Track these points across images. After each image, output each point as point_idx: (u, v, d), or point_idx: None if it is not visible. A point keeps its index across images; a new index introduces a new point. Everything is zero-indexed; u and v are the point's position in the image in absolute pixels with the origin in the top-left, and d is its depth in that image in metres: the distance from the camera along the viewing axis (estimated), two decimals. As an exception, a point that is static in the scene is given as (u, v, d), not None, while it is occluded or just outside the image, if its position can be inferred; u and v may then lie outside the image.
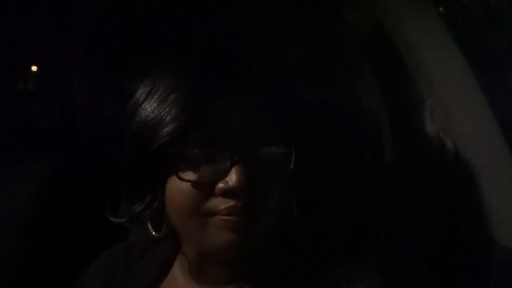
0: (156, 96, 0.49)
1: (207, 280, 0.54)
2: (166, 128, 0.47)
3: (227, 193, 0.46)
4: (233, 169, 0.45)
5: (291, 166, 0.49)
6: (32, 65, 1.28)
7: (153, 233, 0.53)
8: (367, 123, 0.82)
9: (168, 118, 0.47)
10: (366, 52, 0.83)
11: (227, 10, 0.90)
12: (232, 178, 0.45)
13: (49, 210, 1.00)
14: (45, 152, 1.12)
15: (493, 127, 0.66)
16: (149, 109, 0.49)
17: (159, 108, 0.48)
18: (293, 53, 0.86)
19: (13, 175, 0.99)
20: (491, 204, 0.66)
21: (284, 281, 0.52)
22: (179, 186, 0.47)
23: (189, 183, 0.47)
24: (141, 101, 0.50)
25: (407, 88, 0.75)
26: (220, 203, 0.46)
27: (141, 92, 0.51)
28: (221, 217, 0.46)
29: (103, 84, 1.26)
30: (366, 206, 0.75)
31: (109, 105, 1.24)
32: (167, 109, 0.47)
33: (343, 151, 0.78)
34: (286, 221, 0.52)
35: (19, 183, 0.99)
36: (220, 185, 0.46)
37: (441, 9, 0.69)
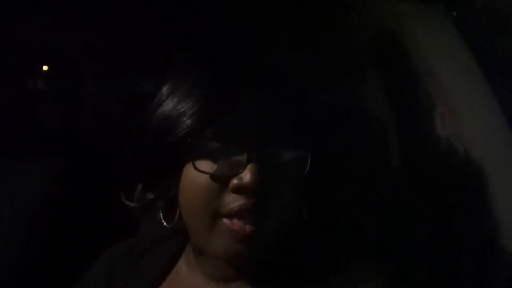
0: (180, 91, 0.50)
1: (212, 276, 0.55)
2: (187, 121, 0.48)
3: (240, 190, 0.46)
4: (248, 166, 0.46)
5: (306, 171, 0.49)
6: (40, 65, 1.28)
7: (164, 223, 0.54)
8: (376, 128, 0.81)
9: (190, 112, 0.48)
10: (376, 57, 0.83)
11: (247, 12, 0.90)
12: (247, 175, 0.45)
13: (56, 208, 1.00)
14: (51, 151, 1.12)
15: (505, 132, 0.66)
16: (172, 103, 0.50)
17: (182, 102, 0.49)
18: (301, 57, 0.86)
19: (21, 174, 0.99)
20: (501, 209, 0.66)
21: (288, 280, 0.52)
22: (194, 178, 0.48)
23: (204, 176, 0.47)
24: (166, 94, 0.52)
25: (417, 93, 0.75)
26: (232, 201, 0.47)
27: (166, 87, 0.52)
28: (228, 221, 0.47)
29: (110, 84, 1.26)
30: (373, 210, 0.74)
31: (116, 105, 1.24)
32: (190, 103, 0.49)
33: (352, 155, 0.77)
34: (294, 223, 0.52)
35: (27, 182, 0.99)
36: (235, 181, 0.46)
37: (454, 13, 0.69)
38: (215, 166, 0.47)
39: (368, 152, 0.79)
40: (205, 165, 0.48)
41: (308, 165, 0.49)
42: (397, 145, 0.80)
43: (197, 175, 0.47)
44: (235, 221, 0.47)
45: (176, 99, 0.50)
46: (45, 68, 1.29)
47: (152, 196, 0.53)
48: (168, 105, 0.50)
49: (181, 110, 0.49)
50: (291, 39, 0.86)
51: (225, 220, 0.47)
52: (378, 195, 0.76)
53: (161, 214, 0.54)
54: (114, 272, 0.62)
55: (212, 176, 0.47)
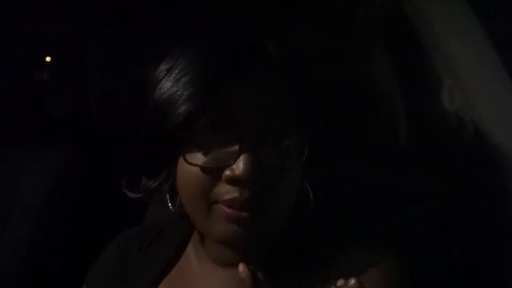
0: (172, 77, 0.49)
1: (219, 263, 0.55)
2: (177, 111, 0.46)
3: (233, 181, 0.45)
4: (241, 157, 0.44)
5: (304, 158, 0.48)
6: (45, 55, 1.29)
7: (170, 206, 0.54)
8: (383, 104, 0.80)
9: (180, 101, 0.46)
10: (382, 31, 0.80)
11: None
12: (239, 166, 0.44)
13: (66, 194, 1.02)
14: (60, 139, 1.14)
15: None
16: (164, 89, 0.49)
17: (173, 89, 0.48)
18: (307, 35, 0.84)
19: (32, 162, 1.00)
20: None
21: (295, 264, 0.52)
22: (188, 169, 0.47)
23: (196, 168, 0.46)
24: (159, 79, 0.50)
25: (424, 67, 0.73)
26: (226, 192, 0.46)
27: (160, 70, 0.51)
28: (224, 207, 0.46)
29: (116, 71, 1.26)
30: (381, 192, 0.73)
31: (122, 91, 1.25)
32: (180, 91, 0.47)
33: (357, 137, 0.76)
34: (299, 208, 0.51)
35: (37, 169, 1.00)
36: (227, 172, 0.45)
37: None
38: (206, 158, 0.46)
39: (374, 132, 0.78)
40: (198, 156, 0.47)
41: (306, 152, 0.47)
42: (404, 122, 0.78)
43: (189, 166, 0.46)
44: (228, 209, 0.46)
45: (169, 85, 0.48)
46: (49, 58, 1.29)
47: (152, 186, 0.53)
48: (161, 91, 0.49)
49: (172, 99, 0.47)
50: (294, 19, 0.84)
51: (221, 206, 0.46)
52: (386, 175, 0.74)
53: (168, 198, 0.54)
54: (127, 257, 0.62)
55: (204, 168, 0.46)
